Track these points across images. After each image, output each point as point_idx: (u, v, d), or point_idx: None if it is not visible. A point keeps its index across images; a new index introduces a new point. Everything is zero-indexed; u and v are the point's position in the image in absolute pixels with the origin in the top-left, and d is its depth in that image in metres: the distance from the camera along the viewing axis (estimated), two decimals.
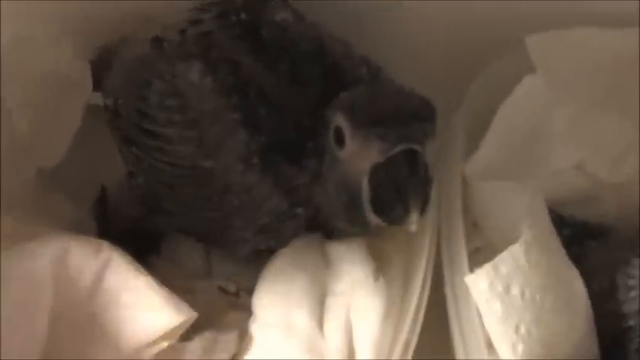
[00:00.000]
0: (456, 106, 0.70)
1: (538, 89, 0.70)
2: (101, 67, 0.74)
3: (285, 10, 0.70)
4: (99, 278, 0.59)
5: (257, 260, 0.66)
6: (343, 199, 0.61)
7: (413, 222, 0.57)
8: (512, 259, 0.60)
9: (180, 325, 0.59)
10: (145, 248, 0.68)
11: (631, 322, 0.64)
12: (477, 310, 0.60)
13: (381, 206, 0.59)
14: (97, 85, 0.73)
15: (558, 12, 0.73)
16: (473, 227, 0.68)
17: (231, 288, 0.68)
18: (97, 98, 0.74)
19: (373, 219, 0.59)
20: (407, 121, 0.57)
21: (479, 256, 0.64)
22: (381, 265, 0.64)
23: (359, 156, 0.59)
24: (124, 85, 0.70)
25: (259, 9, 0.71)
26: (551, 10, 0.73)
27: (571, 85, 0.71)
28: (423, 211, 0.57)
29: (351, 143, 0.59)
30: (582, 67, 0.72)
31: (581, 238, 0.72)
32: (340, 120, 0.59)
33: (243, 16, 0.70)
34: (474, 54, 0.72)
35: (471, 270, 0.60)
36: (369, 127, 0.58)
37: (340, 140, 0.59)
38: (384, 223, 0.59)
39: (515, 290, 0.59)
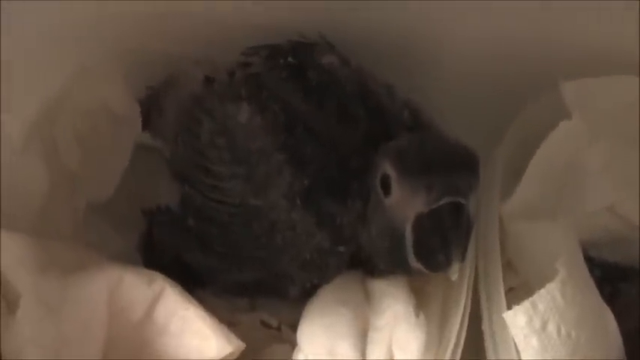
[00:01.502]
0: (494, 145, 0.71)
1: (574, 133, 0.70)
2: (150, 107, 0.75)
3: (331, 54, 0.72)
4: (151, 308, 0.60)
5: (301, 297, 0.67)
6: (386, 243, 0.62)
7: (455, 271, 0.58)
8: (549, 296, 0.60)
9: (228, 355, 0.61)
10: (189, 282, 0.68)
11: None
12: (515, 346, 0.61)
13: (423, 253, 0.60)
14: (146, 124, 0.75)
15: (595, 57, 0.74)
16: (507, 267, 0.68)
17: (274, 322, 0.69)
18: (146, 137, 0.75)
19: (415, 265, 0.61)
20: (453, 173, 0.58)
21: (513, 295, 0.65)
22: (419, 302, 0.65)
23: (404, 204, 0.60)
24: (176, 122, 0.72)
25: (306, 53, 0.72)
26: (589, 55, 0.75)
27: (605, 129, 0.72)
28: (463, 259, 0.59)
29: (397, 191, 0.60)
30: (615, 112, 0.73)
31: (612, 279, 0.72)
32: (388, 168, 0.60)
33: (290, 59, 0.71)
34: (511, 95, 0.73)
35: (508, 308, 0.61)
36: (417, 178, 0.59)
37: (387, 187, 0.61)
38: (426, 269, 0.60)
39: (551, 327, 0.60)
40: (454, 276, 0.59)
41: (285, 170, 0.64)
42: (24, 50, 0.75)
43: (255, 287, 0.69)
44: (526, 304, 0.60)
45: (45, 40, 0.76)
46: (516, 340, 0.60)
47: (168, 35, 0.77)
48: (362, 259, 0.66)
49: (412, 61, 0.78)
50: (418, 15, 0.76)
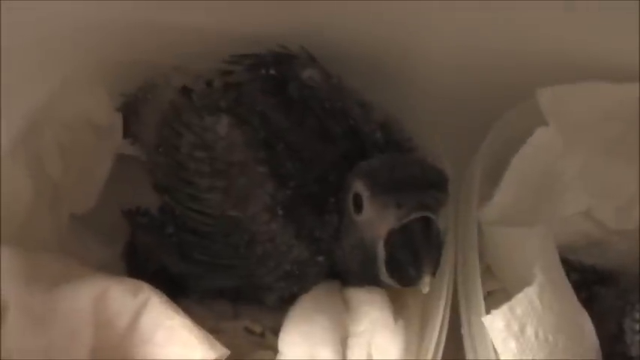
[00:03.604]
0: (472, 154, 0.72)
1: (549, 140, 0.71)
2: (127, 114, 0.76)
3: (312, 67, 0.73)
4: (136, 318, 0.61)
5: (281, 305, 0.68)
6: (359, 259, 0.64)
7: (426, 284, 0.59)
8: (527, 300, 0.61)
9: None
10: (172, 289, 0.67)
11: None
12: (494, 349, 0.62)
13: (395, 269, 0.61)
14: (125, 131, 0.75)
15: (569, 65, 0.75)
16: (486, 271, 0.69)
17: (257, 329, 0.69)
18: (126, 147, 0.76)
19: (387, 280, 0.62)
20: (422, 190, 0.61)
21: (492, 299, 0.66)
22: (399, 308, 0.66)
23: (376, 221, 0.62)
24: (155, 133, 0.72)
25: (288, 65, 0.73)
26: (562, 63, 0.76)
27: (580, 136, 0.73)
28: (434, 273, 0.60)
29: (369, 209, 0.62)
30: (591, 118, 0.74)
31: (589, 283, 0.73)
32: (359, 187, 0.62)
33: (272, 71, 0.72)
34: (488, 105, 0.74)
35: (487, 312, 0.62)
36: (387, 196, 0.61)
37: (358, 206, 0.63)
38: (398, 285, 0.62)
39: (529, 330, 0.61)
40: (425, 289, 0.60)
41: (267, 183, 0.66)
42: (6, 63, 0.76)
43: (236, 294, 0.70)
44: (504, 308, 0.61)
45: (26, 53, 0.77)
46: (495, 344, 0.61)
47: (147, 45, 0.77)
48: (339, 271, 0.68)
49: (389, 71, 0.79)
50: (393, 26, 0.77)
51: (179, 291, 0.69)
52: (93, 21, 0.76)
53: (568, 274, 0.68)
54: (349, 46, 0.76)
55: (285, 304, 0.67)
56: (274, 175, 0.66)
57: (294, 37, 0.74)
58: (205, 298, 0.70)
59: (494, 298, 0.67)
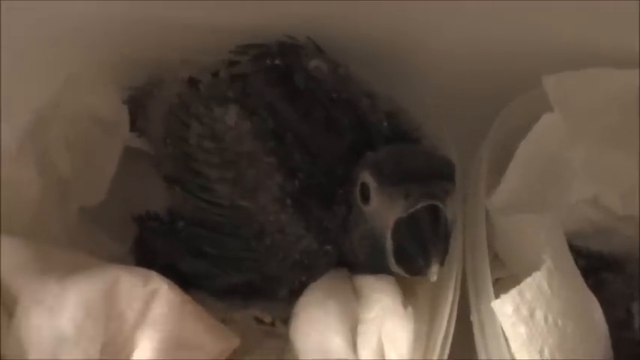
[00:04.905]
0: (478, 144, 0.73)
1: (555, 127, 0.71)
2: (134, 108, 0.76)
3: (318, 58, 0.73)
4: (147, 307, 0.61)
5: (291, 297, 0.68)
6: (367, 249, 0.65)
7: (434, 273, 0.60)
8: (535, 285, 0.62)
9: (223, 351, 0.62)
10: (182, 284, 0.67)
11: None
12: (503, 334, 0.62)
13: (403, 258, 0.62)
14: (132, 125, 0.75)
15: (575, 52, 0.76)
16: (494, 259, 0.69)
17: (267, 318, 0.70)
18: (134, 141, 0.77)
19: (396, 270, 0.63)
20: (429, 180, 0.61)
21: (500, 287, 0.66)
22: (409, 296, 0.66)
23: (384, 211, 0.62)
24: (163, 124, 0.73)
25: (294, 55, 0.73)
26: (568, 51, 0.76)
27: (586, 123, 0.73)
28: (442, 262, 0.60)
29: (376, 199, 0.62)
30: (596, 105, 0.74)
31: (597, 269, 0.73)
32: (367, 177, 0.63)
33: (277, 61, 0.72)
34: (494, 94, 0.74)
35: (496, 298, 0.62)
36: (394, 186, 0.61)
37: (366, 196, 0.63)
38: (407, 274, 0.62)
39: (539, 315, 0.61)
40: (433, 277, 0.60)
41: (276, 174, 0.66)
42: (12, 60, 0.76)
43: (246, 289, 0.70)
44: (513, 292, 0.61)
45: (32, 50, 0.77)
46: (504, 328, 0.62)
47: (152, 41, 0.78)
48: (348, 261, 0.68)
49: (395, 61, 0.79)
50: (400, 17, 0.77)
51: (188, 285, 0.68)
52: (97, 18, 0.76)
53: (575, 261, 0.68)
54: (356, 36, 0.76)
55: (294, 295, 0.67)
56: (283, 166, 0.67)
57: (300, 30, 0.75)
58: (214, 293, 0.70)
59: (503, 286, 0.66)
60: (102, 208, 0.73)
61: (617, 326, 0.67)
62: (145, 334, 0.61)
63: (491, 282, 0.66)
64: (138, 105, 0.77)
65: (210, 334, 0.61)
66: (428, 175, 0.61)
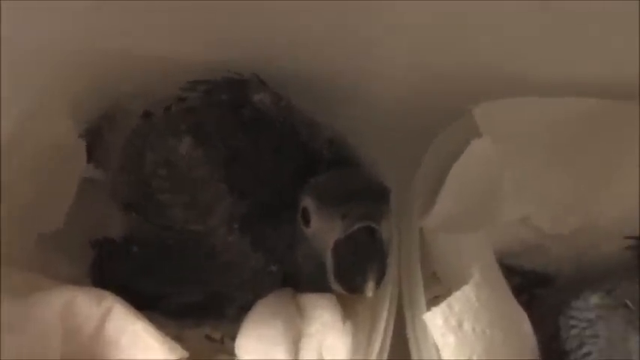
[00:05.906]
0: (414, 169, 0.76)
1: (485, 151, 0.75)
2: (92, 140, 0.79)
3: (262, 91, 0.76)
4: (101, 324, 0.64)
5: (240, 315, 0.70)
6: (310, 268, 0.68)
7: (370, 289, 0.63)
8: (464, 297, 0.65)
9: None
10: (136, 305, 0.70)
11: (572, 358, 0.69)
12: (435, 346, 0.65)
13: (343, 277, 0.65)
14: (89, 156, 0.78)
15: (508, 80, 0.79)
16: (432, 277, 0.73)
17: (217, 335, 0.73)
18: (90, 171, 0.79)
19: (336, 287, 0.66)
20: (365, 203, 0.64)
21: (437, 303, 0.68)
22: (349, 312, 0.69)
23: (324, 232, 0.66)
24: (120, 156, 0.76)
25: (240, 90, 0.76)
26: (502, 79, 0.80)
27: (515, 148, 0.76)
28: (379, 281, 0.64)
29: (316, 222, 0.66)
30: (525, 130, 0.77)
31: (530, 286, 0.77)
32: (307, 202, 0.66)
33: (224, 96, 0.76)
34: (431, 120, 0.78)
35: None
36: (332, 208, 0.65)
37: (307, 219, 0.67)
38: (346, 292, 0.66)
39: (467, 326, 0.65)
40: (369, 294, 0.63)
41: (226, 199, 0.70)
42: None
43: (197, 309, 0.73)
44: (443, 305, 0.65)
45: None
46: (435, 338, 0.65)
47: (109, 73, 0.80)
48: (294, 279, 0.71)
49: (338, 92, 0.82)
50: (340, 48, 0.80)
51: (143, 307, 0.70)
52: (56, 49, 0.77)
53: (510, 279, 0.72)
54: (297, 70, 0.79)
55: (242, 313, 0.70)
56: (232, 190, 0.70)
57: (247, 62, 0.78)
58: (168, 314, 0.72)
59: (440, 302, 0.69)
60: (60, 234, 0.75)
61: (548, 340, 0.70)
62: (101, 349, 0.64)
63: (430, 299, 0.69)
64: (95, 137, 0.79)
65: (161, 348, 0.64)
66: (364, 197, 0.65)
